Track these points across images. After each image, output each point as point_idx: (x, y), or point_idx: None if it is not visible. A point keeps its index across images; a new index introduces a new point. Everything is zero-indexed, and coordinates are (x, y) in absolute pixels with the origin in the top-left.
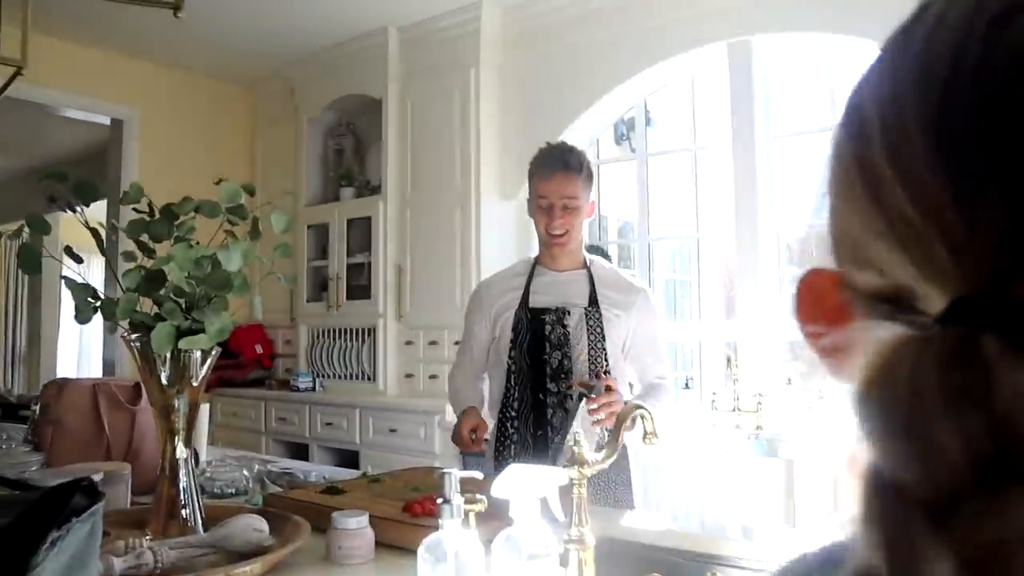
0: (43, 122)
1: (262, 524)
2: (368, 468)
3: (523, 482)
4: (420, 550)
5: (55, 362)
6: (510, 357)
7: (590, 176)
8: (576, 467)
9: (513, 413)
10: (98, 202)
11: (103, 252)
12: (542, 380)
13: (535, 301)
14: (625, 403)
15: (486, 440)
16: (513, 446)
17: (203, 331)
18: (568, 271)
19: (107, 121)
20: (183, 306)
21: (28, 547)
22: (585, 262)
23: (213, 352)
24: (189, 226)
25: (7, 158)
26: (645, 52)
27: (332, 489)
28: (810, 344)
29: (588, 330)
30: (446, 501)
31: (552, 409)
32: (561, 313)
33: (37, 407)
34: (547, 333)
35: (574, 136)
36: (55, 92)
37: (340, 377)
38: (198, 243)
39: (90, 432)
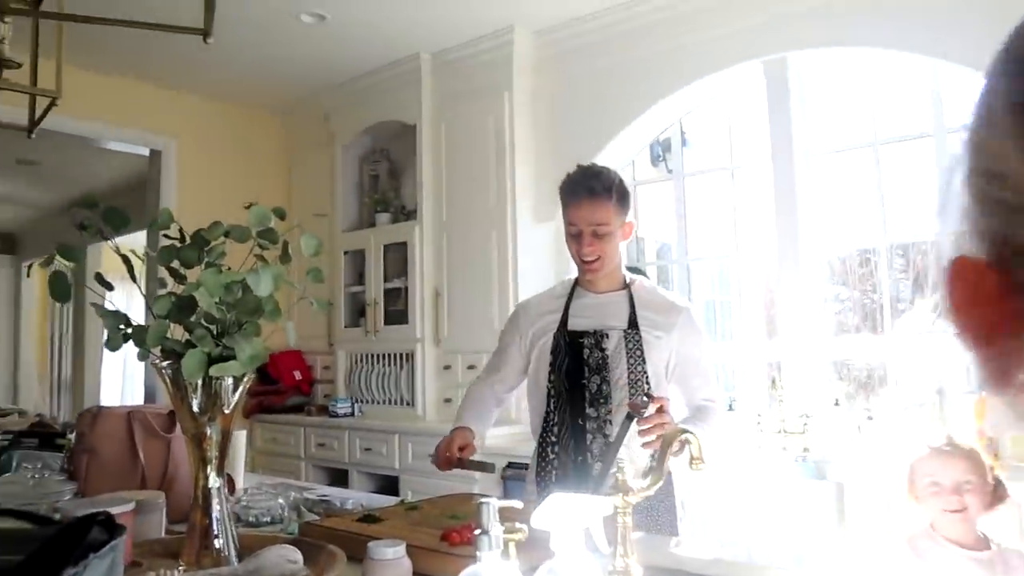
0: (84, 155)
1: (296, 555)
2: (408, 494)
3: (565, 512)
4: None
5: (99, 389)
6: (549, 381)
7: (623, 197)
8: (620, 495)
9: (554, 438)
10: (139, 231)
11: (133, 279)
12: (581, 405)
13: (574, 324)
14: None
15: (463, 462)
16: (554, 472)
17: (234, 358)
18: (607, 293)
19: (146, 152)
20: (214, 332)
21: None
22: (625, 282)
23: (245, 379)
24: (219, 251)
25: (51, 191)
26: (679, 72)
27: (369, 517)
28: (965, 338)
29: (627, 353)
30: (484, 532)
31: (591, 435)
32: (599, 336)
33: (72, 435)
34: (585, 357)
35: (609, 157)
36: (95, 125)
37: (379, 402)
38: (229, 268)
39: (125, 461)
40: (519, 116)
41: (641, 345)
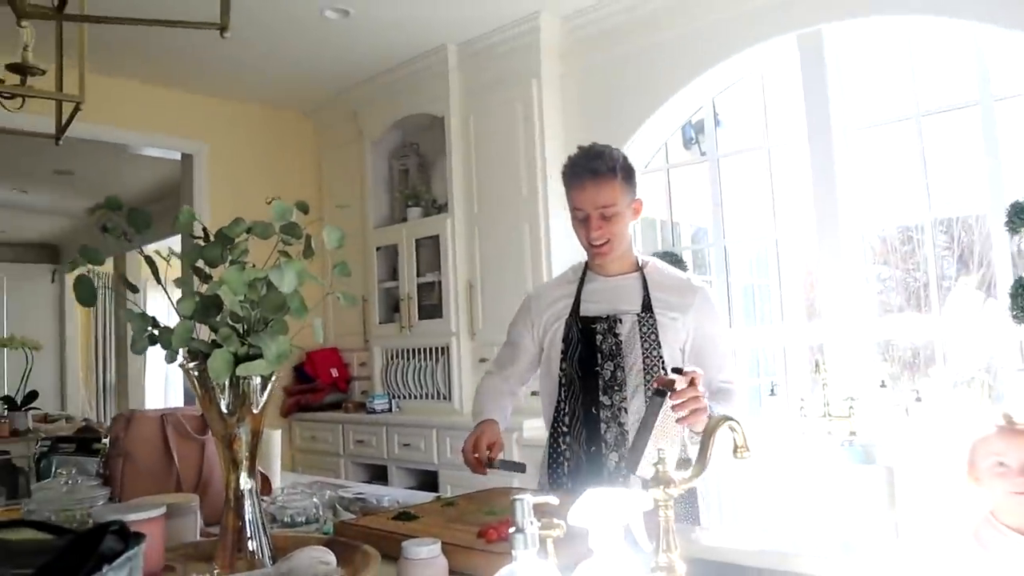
0: (118, 163)
1: (329, 556)
2: (448, 488)
3: (603, 507)
4: None
5: (143, 393)
6: (561, 369)
7: (629, 175)
8: (661, 487)
9: (565, 429)
10: (175, 236)
11: (158, 281)
12: (595, 393)
13: (585, 309)
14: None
15: (493, 462)
16: (566, 463)
17: (261, 356)
18: (619, 276)
19: (178, 156)
20: (240, 332)
21: None
22: (638, 264)
23: (273, 378)
24: (242, 248)
25: (88, 200)
26: (710, 50)
27: (404, 515)
28: None
29: (642, 337)
30: (518, 530)
31: (605, 424)
32: (612, 321)
33: (107, 440)
34: (598, 343)
35: (641, 141)
36: (126, 132)
37: (415, 397)
38: (253, 266)
39: (160, 464)
40: (548, 103)
41: (656, 329)
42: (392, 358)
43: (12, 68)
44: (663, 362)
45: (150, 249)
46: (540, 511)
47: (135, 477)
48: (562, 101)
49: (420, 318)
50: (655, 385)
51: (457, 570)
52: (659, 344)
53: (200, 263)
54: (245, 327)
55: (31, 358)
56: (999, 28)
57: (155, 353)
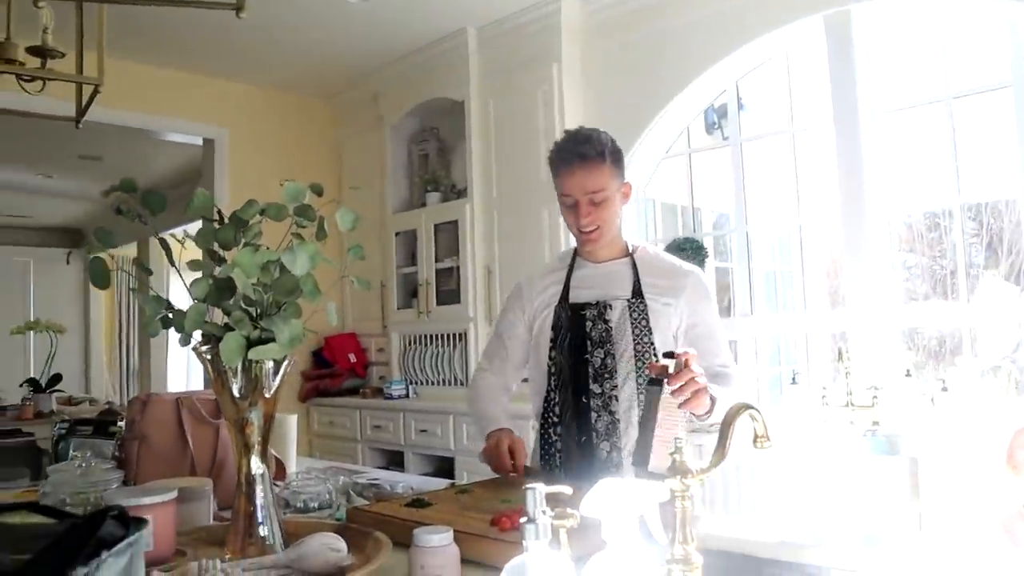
0: (142, 147)
1: (339, 543)
2: (464, 475)
3: (617, 498)
4: (503, 574)
5: (165, 376)
6: (550, 358)
7: (617, 159)
8: (678, 477)
9: (555, 419)
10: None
11: (172, 263)
12: (584, 381)
13: (575, 296)
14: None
15: (526, 471)
16: (558, 454)
17: (274, 340)
18: (609, 261)
19: (199, 141)
20: (253, 315)
21: None
22: (627, 249)
23: (286, 362)
24: (256, 231)
25: (111, 184)
26: (734, 32)
27: (418, 502)
28: None
29: (633, 323)
30: (530, 520)
31: (596, 413)
32: (602, 307)
33: (123, 423)
34: (588, 330)
35: (663, 126)
36: (150, 117)
37: (433, 383)
38: (267, 248)
39: (175, 447)
40: (568, 87)
41: (647, 314)
42: (410, 344)
43: (32, 51)
44: (654, 348)
45: (171, 234)
46: (554, 500)
47: (150, 460)
48: (583, 85)
49: (438, 304)
50: (649, 373)
51: (469, 558)
52: (650, 330)
53: (214, 246)
54: (258, 310)
55: (55, 341)
56: None
57: (176, 336)
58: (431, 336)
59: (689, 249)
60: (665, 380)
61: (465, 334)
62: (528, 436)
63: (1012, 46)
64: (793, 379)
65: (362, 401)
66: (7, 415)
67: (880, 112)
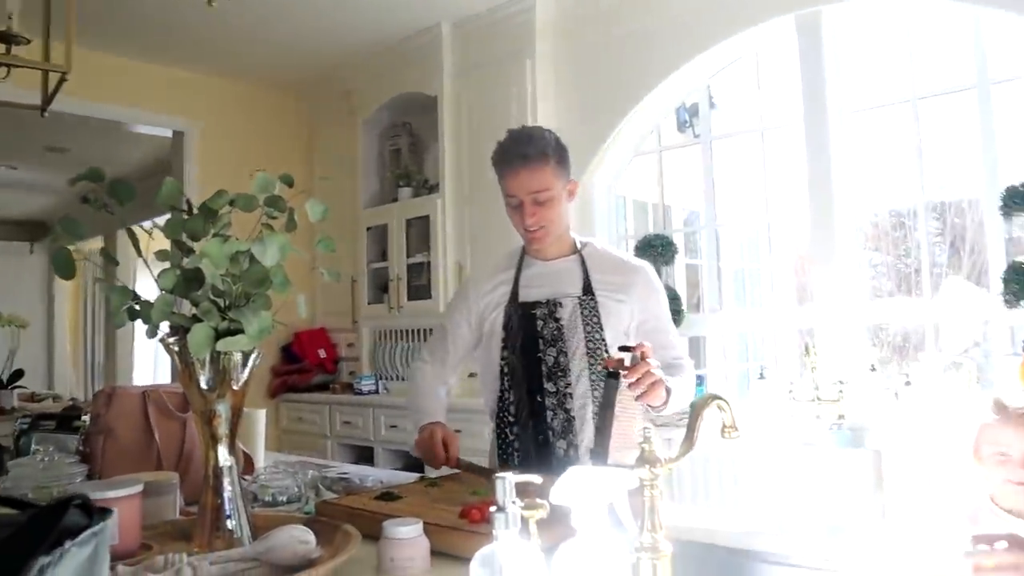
0: (110, 140)
1: (308, 535)
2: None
3: (587, 487)
4: (473, 564)
5: (131, 371)
6: (503, 358)
7: (562, 158)
8: (647, 466)
9: (511, 419)
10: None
11: (139, 254)
12: (538, 380)
13: (525, 295)
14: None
15: (460, 463)
16: (516, 454)
17: (242, 331)
18: (557, 259)
19: (169, 134)
20: (221, 306)
21: None
22: (576, 246)
23: (255, 355)
24: (225, 221)
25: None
26: (706, 32)
27: (388, 495)
28: None
29: (583, 321)
30: (500, 509)
31: (552, 411)
32: (553, 306)
33: (87, 417)
34: (539, 329)
35: (634, 124)
36: (119, 109)
37: (403, 378)
38: (238, 239)
39: (141, 441)
40: (541, 84)
41: (598, 311)
42: (380, 339)
43: None
44: (606, 345)
45: (139, 226)
46: (523, 491)
47: (115, 454)
48: (556, 81)
49: (409, 299)
50: (605, 367)
51: (439, 550)
52: (601, 327)
53: (183, 236)
54: (227, 302)
55: (17, 336)
56: (998, 10)
57: (143, 331)
58: (402, 331)
59: (659, 246)
60: (622, 373)
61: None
62: (483, 436)
63: (976, 49)
64: (761, 374)
65: (332, 397)
66: None
67: (848, 112)
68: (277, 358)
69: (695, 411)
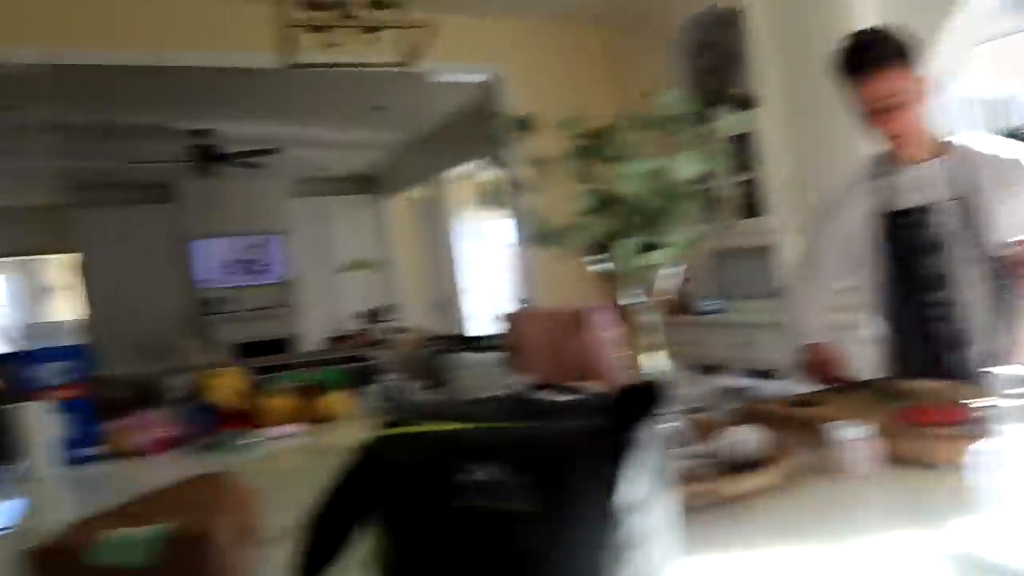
0: (421, 93)
1: (762, 434)
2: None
3: None
4: (971, 460)
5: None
6: (881, 271)
7: (907, 58)
8: None
9: (895, 332)
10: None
11: (492, 200)
12: (919, 292)
13: (893, 203)
14: None
15: (844, 379)
16: (905, 366)
17: (662, 246)
18: (922, 163)
19: (478, 80)
20: (641, 223)
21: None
22: (944, 146)
23: (674, 269)
24: (627, 143)
25: (397, 132)
26: None
27: (803, 402)
28: None
29: (963, 225)
30: (993, 405)
31: (936, 322)
32: (926, 212)
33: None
34: (915, 238)
35: (962, 11)
36: (434, 62)
37: (742, 298)
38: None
39: (546, 356)
40: None
41: (976, 214)
42: (715, 259)
43: (373, 4)
44: (987, 248)
45: (454, 174)
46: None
47: (527, 369)
48: None
49: (742, 217)
50: (1005, 264)
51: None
52: (983, 229)
53: (586, 163)
54: (645, 218)
55: (373, 278)
56: None
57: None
58: (736, 250)
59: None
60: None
61: (770, 248)
62: (861, 353)
63: None
64: None
65: (674, 318)
66: (348, 342)
67: None
68: (683, 267)
69: None
